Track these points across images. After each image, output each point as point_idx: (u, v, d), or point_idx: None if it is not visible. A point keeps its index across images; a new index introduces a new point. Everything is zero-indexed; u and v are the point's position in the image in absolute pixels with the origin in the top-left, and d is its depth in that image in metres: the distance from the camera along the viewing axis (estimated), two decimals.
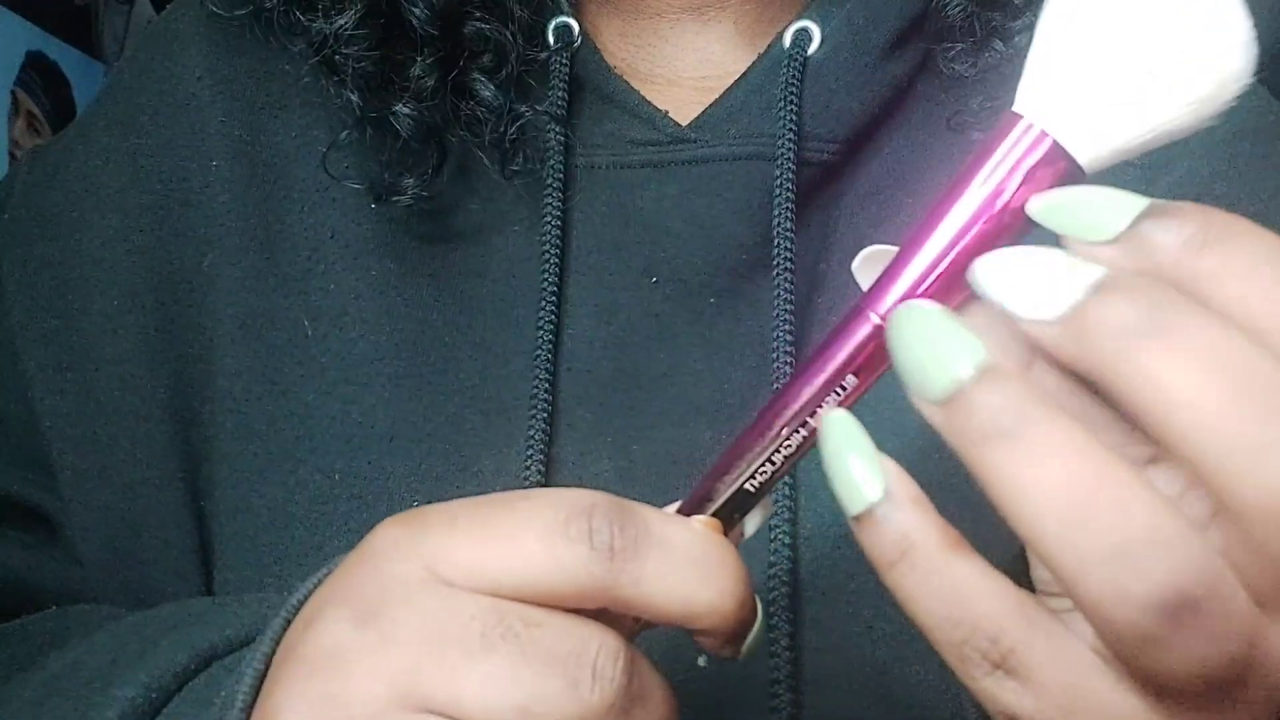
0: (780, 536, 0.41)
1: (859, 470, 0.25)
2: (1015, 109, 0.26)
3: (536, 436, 0.43)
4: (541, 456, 0.43)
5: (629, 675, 0.27)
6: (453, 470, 0.44)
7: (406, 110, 0.44)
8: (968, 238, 0.26)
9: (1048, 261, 0.24)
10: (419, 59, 0.44)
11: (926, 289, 0.26)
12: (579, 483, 0.44)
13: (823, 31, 0.46)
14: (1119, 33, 0.25)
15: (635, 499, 0.43)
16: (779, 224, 0.44)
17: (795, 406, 0.28)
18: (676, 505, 0.31)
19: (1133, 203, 0.24)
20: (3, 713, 0.35)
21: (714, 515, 0.30)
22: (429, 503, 0.43)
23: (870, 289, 0.27)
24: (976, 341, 0.24)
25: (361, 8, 0.44)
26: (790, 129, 0.44)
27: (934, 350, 0.24)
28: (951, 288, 0.26)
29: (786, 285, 0.43)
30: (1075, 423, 0.23)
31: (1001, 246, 0.25)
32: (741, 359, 0.45)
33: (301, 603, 0.30)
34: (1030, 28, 0.45)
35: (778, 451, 0.29)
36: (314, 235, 0.46)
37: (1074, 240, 0.24)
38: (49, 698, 0.35)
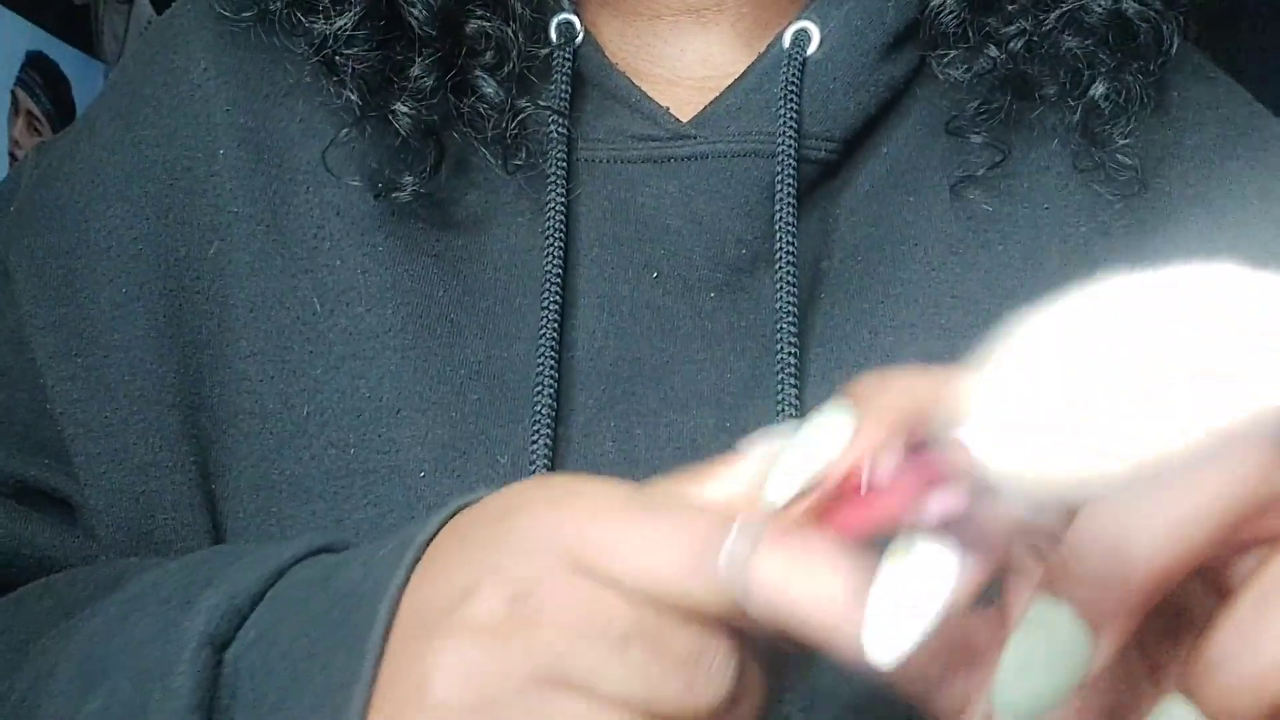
0: None
1: None
2: (958, 437, 0.26)
3: (543, 413, 0.43)
4: (549, 432, 0.43)
5: (736, 678, 0.29)
6: (459, 438, 0.44)
7: (405, 109, 0.45)
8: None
9: None
10: (418, 59, 0.45)
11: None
12: (585, 461, 0.44)
13: (821, 32, 0.47)
14: (1065, 392, 0.24)
15: (639, 481, 0.43)
16: (781, 218, 0.44)
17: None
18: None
19: None
20: (86, 630, 0.36)
21: None
22: (437, 472, 0.44)
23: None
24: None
25: (361, 9, 0.44)
26: (790, 126, 0.45)
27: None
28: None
29: (790, 279, 0.44)
30: None
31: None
32: (743, 351, 0.45)
33: (428, 542, 0.31)
34: (1024, 34, 0.46)
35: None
36: (319, 214, 0.47)
37: None
38: (131, 614, 0.36)
